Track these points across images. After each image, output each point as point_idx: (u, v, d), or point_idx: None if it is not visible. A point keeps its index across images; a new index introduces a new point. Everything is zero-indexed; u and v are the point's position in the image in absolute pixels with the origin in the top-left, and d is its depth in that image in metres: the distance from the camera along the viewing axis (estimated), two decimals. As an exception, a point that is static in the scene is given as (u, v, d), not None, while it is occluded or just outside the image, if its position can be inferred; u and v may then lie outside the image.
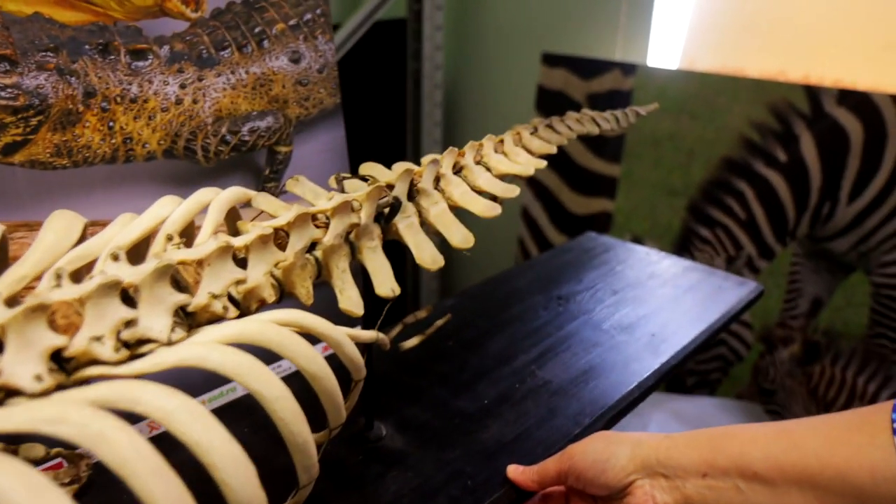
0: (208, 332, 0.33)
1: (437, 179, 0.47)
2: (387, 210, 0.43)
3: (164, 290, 0.33)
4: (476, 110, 1.61)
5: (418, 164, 0.49)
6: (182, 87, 0.50)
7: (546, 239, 1.49)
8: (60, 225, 0.36)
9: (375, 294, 0.42)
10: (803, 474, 0.36)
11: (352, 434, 0.51)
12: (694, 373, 1.32)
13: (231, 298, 0.36)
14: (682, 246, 1.31)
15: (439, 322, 0.52)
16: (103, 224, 0.39)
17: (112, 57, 0.47)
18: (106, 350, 0.31)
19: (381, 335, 0.42)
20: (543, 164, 0.53)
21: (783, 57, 1.20)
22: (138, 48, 0.48)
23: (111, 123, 0.48)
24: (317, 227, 0.40)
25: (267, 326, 0.33)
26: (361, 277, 0.44)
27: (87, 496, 0.47)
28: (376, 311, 0.47)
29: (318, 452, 0.37)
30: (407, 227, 0.44)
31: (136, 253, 0.37)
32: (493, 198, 0.49)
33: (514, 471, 0.47)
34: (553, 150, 0.55)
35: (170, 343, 0.32)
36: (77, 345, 0.30)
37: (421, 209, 0.45)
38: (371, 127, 1.50)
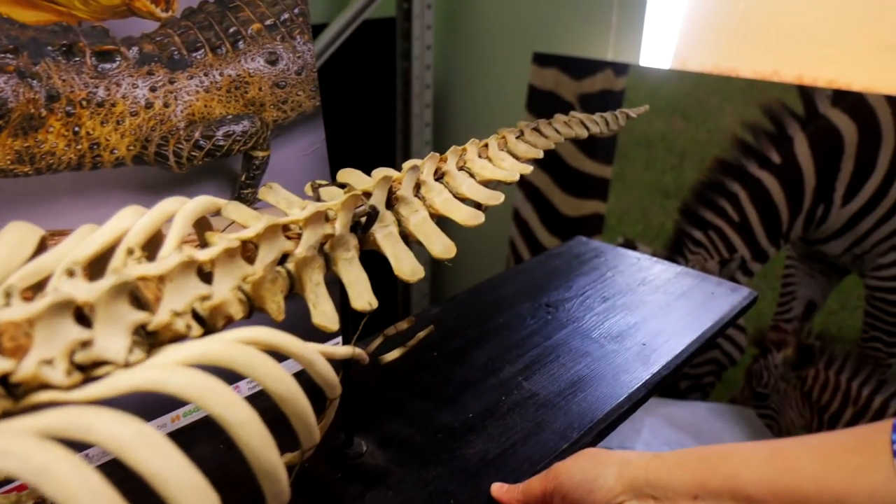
0: (169, 353, 0.31)
1: (418, 186, 0.45)
2: (363, 219, 0.41)
3: (122, 309, 0.31)
4: (466, 110, 1.60)
5: None
6: (152, 90, 0.48)
7: (537, 241, 1.47)
8: (13, 238, 0.34)
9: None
10: (799, 498, 0.35)
11: (330, 450, 0.49)
12: (687, 377, 1.31)
13: (196, 316, 0.34)
14: (675, 248, 1.29)
15: (421, 334, 0.50)
16: (67, 234, 0.37)
17: (77, 59, 0.45)
18: (57, 374, 0.29)
19: (358, 350, 0.40)
20: (529, 169, 0.51)
21: (776, 57, 1.18)
22: (105, 49, 0.46)
23: (77, 128, 0.45)
24: (289, 238, 0.38)
25: (231, 346, 0.31)
26: (339, 289, 0.42)
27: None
28: (358, 322, 0.46)
29: (291, 474, 0.36)
30: (385, 236, 0.42)
31: (98, 267, 0.35)
32: (478, 205, 0.47)
33: (499, 489, 0.45)
34: (539, 154, 0.54)
35: (127, 365, 0.30)
36: (25, 369, 0.28)
37: (400, 218, 0.43)
38: (360, 128, 1.48)
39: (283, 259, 0.38)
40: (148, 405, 0.51)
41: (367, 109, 1.49)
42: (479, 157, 0.50)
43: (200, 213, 0.38)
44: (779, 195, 1.17)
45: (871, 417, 1.15)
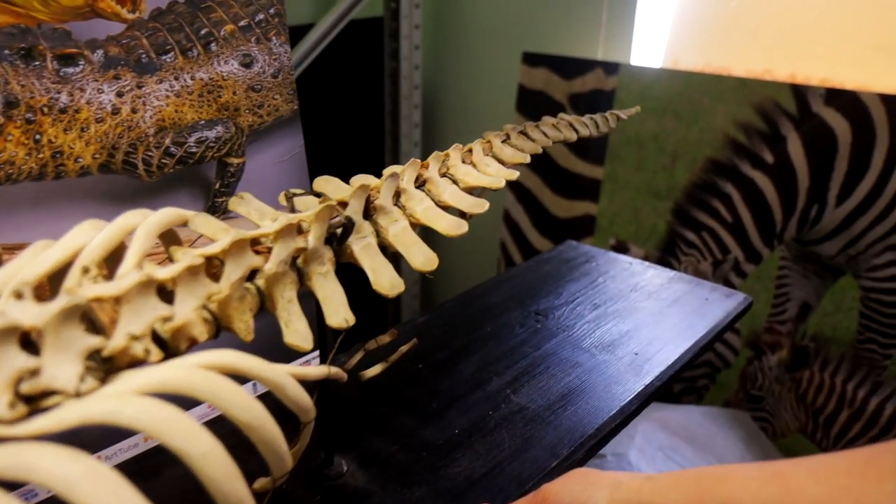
0: (124, 382, 0.29)
1: (398, 195, 0.43)
2: (339, 231, 0.39)
3: (74, 333, 0.29)
4: (456, 111, 1.57)
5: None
6: (119, 95, 0.46)
7: (528, 243, 1.45)
8: (-40, 256, 0.32)
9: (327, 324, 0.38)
10: (799, 524, 0.33)
11: (309, 471, 0.47)
12: (681, 380, 1.29)
13: (157, 339, 0.32)
14: (668, 250, 1.28)
15: (404, 348, 0.48)
16: (26, 248, 0.35)
17: (37, 63, 0.42)
18: (0, 407, 0.27)
19: (335, 369, 0.38)
20: (515, 174, 0.49)
21: (769, 55, 1.17)
22: (67, 53, 0.44)
23: (38, 136, 0.43)
24: (258, 252, 0.36)
25: (191, 372, 0.29)
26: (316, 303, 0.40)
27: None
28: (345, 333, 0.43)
29: (264, 501, 0.33)
30: (363, 248, 0.40)
31: (54, 286, 0.33)
32: (461, 213, 0.45)
33: (485, 512, 0.43)
34: (526, 159, 0.51)
35: (78, 395, 0.28)
36: (-35, 401, 0.26)
37: (379, 228, 0.41)
38: (348, 131, 1.46)
39: (253, 275, 0.36)
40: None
41: (354, 111, 1.47)
42: (463, 162, 0.48)
43: (164, 227, 0.36)
44: (772, 195, 1.16)
45: (867, 420, 1.13)
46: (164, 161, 0.49)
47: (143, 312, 0.31)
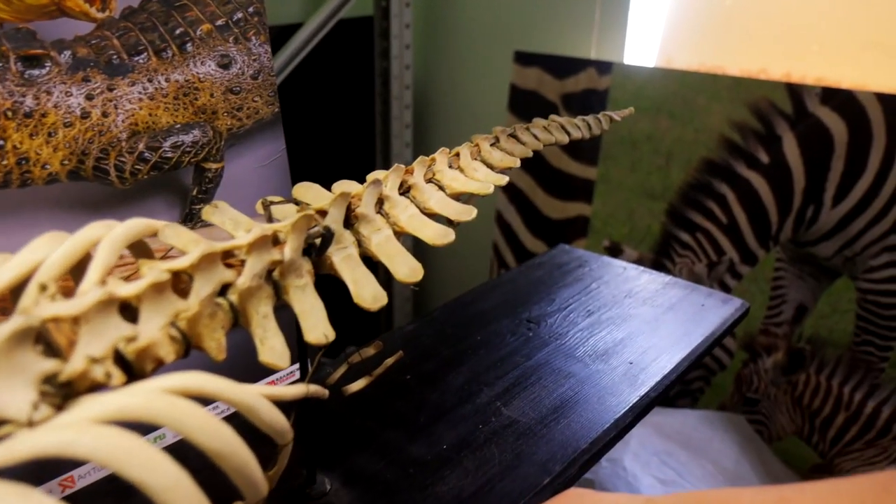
0: (82, 409, 0.27)
1: (381, 202, 0.41)
2: (318, 241, 0.37)
3: (27, 357, 0.27)
4: (447, 111, 1.56)
5: (386, 168, 0.43)
6: (89, 98, 0.44)
7: (521, 244, 1.43)
8: None
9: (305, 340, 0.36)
10: (804, 552, 0.31)
11: (290, 490, 0.45)
12: (676, 383, 1.27)
13: (121, 360, 0.30)
14: (662, 251, 1.26)
15: (389, 361, 0.46)
16: (-13, 261, 0.33)
17: (0, 65, 0.40)
18: (-56, 438, 0.24)
19: (314, 388, 0.36)
20: (504, 179, 0.47)
21: (764, 54, 1.15)
22: (32, 54, 0.41)
23: (1, 142, 0.41)
24: (230, 266, 0.34)
25: (154, 397, 0.27)
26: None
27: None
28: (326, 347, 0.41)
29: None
30: (343, 259, 0.38)
31: (7, 306, 0.31)
32: (448, 221, 0.43)
33: (474, 533, 0.41)
34: (516, 163, 0.50)
35: (31, 424, 0.26)
36: None
37: (361, 238, 0.39)
38: (338, 131, 1.43)
39: (225, 290, 0.34)
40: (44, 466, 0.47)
41: (344, 112, 1.45)
42: (450, 167, 0.46)
43: (131, 239, 0.34)
44: (768, 196, 1.14)
45: (864, 423, 1.12)
46: (137, 167, 0.47)
47: (104, 333, 0.29)
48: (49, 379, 0.27)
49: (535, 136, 0.53)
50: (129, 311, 0.31)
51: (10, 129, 0.41)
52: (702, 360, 0.62)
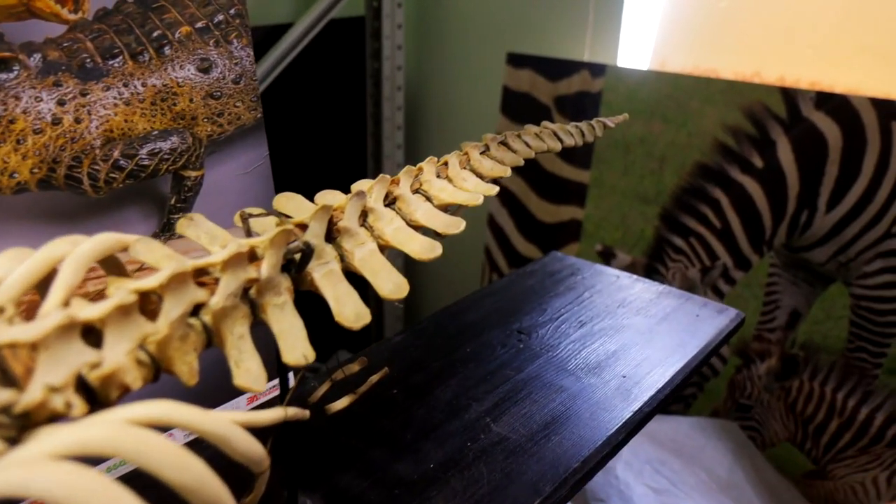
0: (38, 443, 0.25)
1: (364, 214, 0.39)
2: (297, 257, 0.35)
3: (-20, 386, 0.25)
4: (439, 113, 1.54)
5: (378, 171, 0.41)
6: (60, 103, 0.42)
7: (513, 248, 1.42)
8: None
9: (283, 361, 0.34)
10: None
11: (271, 513, 0.43)
12: (668, 388, 1.26)
13: (84, 387, 0.28)
14: (656, 256, 1.25)
15: (374, 378, 0.45)
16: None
17: (-36, 69, 0.38)
18: None
19: (293, 411, 0.34)
20: (494, 190, 0.45)
21: (758, 58, 1.14)
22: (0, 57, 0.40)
23: (-34, 150, 0.39)
24: (204, 284, 0.32)
25: (116, 429, 0.25)
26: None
27: None
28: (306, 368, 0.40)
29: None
30: (324, 275, 0.36)
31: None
32: (436, 233, 0.42)
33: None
34: (507, 172, 0.48)
35: (-17, 459, 0.24)
36: None
37: (343, 252, 0.38)
38: (328, 132, 1.41)
39: (198, 309, 0.32)
40: None
41: (335, 113, 1.43)
42: (438, 177, 0.45)
43: (99, 256, 0.32)
44: (761, 201, 1.13)
45: (857, 429, 1.11)
46: (112, 175, 0.45)
47: (65, 359, 0.27)
48: (4, 410, 0.26)
49: (527, 144, 0.52)
50: (93, 334, 0.29)
51: (-24, 136, 0.39)
52: (696, 373, 0.60)
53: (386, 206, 0.41)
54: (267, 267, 0.33)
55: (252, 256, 0.34)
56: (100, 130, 0.44)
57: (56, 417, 0.27)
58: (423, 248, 0.39)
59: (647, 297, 0.67)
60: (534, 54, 1.30)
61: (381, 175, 0.41)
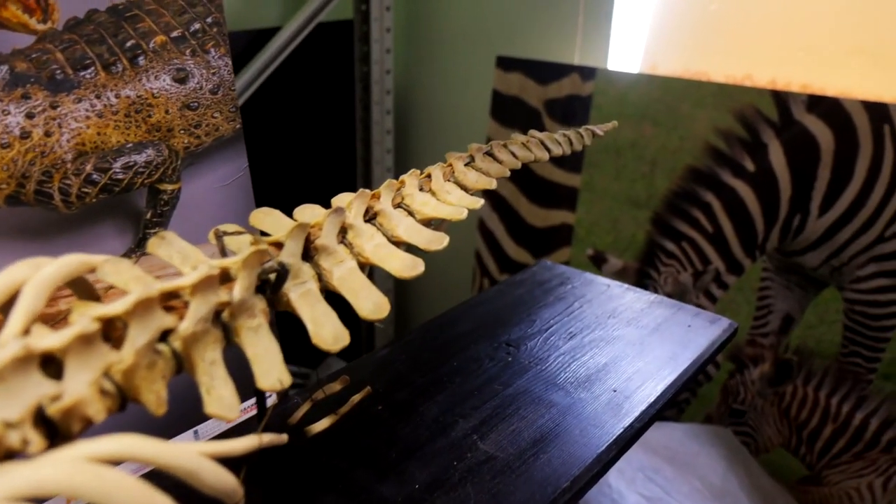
0: (-10, 483, 0.24)
1: (344, 231, 0.38)
2: (273, 277, 0.34)
3: (-72, 424, 0.23)
4: (429, 117, 1.53)
5: (367, 176, 0.40)
6: (29, 116, 0.41)
7: (504, 253, 1.41)
8: None
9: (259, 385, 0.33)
10: None
11: (250, 538, 0.42)
12: (661, 394, 1.25)
13: (44, 421, 0.26)
14: (647, 260, 1.24)
15: (356, 398, 0.43)
16: None
17: (-75, 82, 0.37)
18: None
19: (268, 437, 0.33)
20: (479, 202, 0.44)
21: (749, 60, 1.13)
22: (-37, 70, 0.38)
23: (-71, 166, 0.38)
24: (172, 308, 0.31)
25: (73, 468, 0.24)
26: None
27: None
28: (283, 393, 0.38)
29: None
30: (301, 296, 0.35)
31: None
32: (419, 249, 0.40)
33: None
34: (492, 184, 0.47)
35: (-70, 503, 0.23)
36: None
37: (322, 271, 0.36)
38: (317, 137, 1.40)
39: (168, 334, 0.30)
40: None
41: (324, 118, 1.41)
42: (421, 190, 0.43)
43: (62, 280, 0.30)
44: (753, 205, 1.12)
45: (852, 435, 1.10)
46: (84, 190, 0.43)
47: (22, 392, 0.26)
48: (-44, 447, 0.24)
49: (513, 154, 0.50)
50: (54, 364, 0.27)
51: (-61, 152, 0.38)
52: (689, 384, 0.59)
53: (366, 221, 0.40)
54: (240, 289, 0.32)
55: (225, 278, 0.33)
56: (71, 144, 0.42)
57: (13, 455, 0.26)
58: (404, 266, 0.38)
59: (638, 307, 0.66)
60: (524, 57, 1.29)
61: (360, 189, 0.39)
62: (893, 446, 1.06)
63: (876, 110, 0.97)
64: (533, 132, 0.54)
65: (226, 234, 0.37)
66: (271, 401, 0.53)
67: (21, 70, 0.40)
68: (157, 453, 0.26)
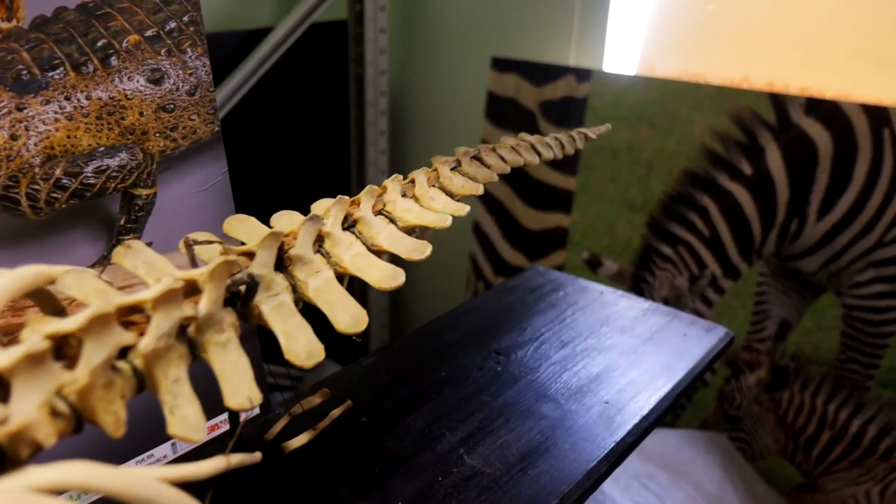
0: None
1: (321, 240, 0.36)
2: (243, 289, 0.32)
3: None
4: (424, 118, 1.51)
5: (361, 177, 0.38)
6: (-7, 118, 0.39)
7: (499, 256, 1.39)
8: None
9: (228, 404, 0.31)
10: None
11: (224, 559, 0.40)
12: (657, 400, 1.24)
13: (-11, 444, 0.25)
14: (643, 264, 1.22)
15: (336, 412, 0.42)
16: None
17: None
18: None
19: (237, 458, 0.31)
20: (465, 209, 0.42)
21: (747, 62, 1.12)
22: (-78, 70, 0.36)
23: None
24: (133, 324, 0.29)
25: (18, 500, 0.22)
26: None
27: None
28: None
29: None
30: (274, 308, 0.33)
31: None
32: (401, 258, 0.39)
33: None
34: (479, 190, 0.45)
35: None
36: None
37: (296, 282, 0.35)
38: (311, 138, 1.38)
39: (127, 351, 0.29)
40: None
41: (317, 119, 1.40)
42: (404, 196, 0.42)
43: (18, 293, 0.29)
44: (751, 209, 1.11)
45: (849, 442, 1.09)
46: (54, 195, 0.42)
47: (-36, 416, 0.24)
48: None
49: (502, 159, 0.49)
50: (1, 386, 0.26)
51: None
52: (684, 396, 0.58)
53: (345, 229, 0.38)
54: (206, 302, 0.30)
55: (191, 290, 0.31)
56: (39, 147, 0.41)
57: (-47, 483, 0.24)
58: (384, 276, 0.36)
59: (632, 315, 0.64)
60: (519, 59, 1.28)
61: (339, 196, 0.38)
62: (891, 454, 1.04)
63: (875, 113, 0.96)
64: (523, 135, 0.52)
65: (196, 242, 0.35)
66: (252, 413, 0.51)
67: (-15, 70, 0.39)
68: (109, 481, 0.24)
